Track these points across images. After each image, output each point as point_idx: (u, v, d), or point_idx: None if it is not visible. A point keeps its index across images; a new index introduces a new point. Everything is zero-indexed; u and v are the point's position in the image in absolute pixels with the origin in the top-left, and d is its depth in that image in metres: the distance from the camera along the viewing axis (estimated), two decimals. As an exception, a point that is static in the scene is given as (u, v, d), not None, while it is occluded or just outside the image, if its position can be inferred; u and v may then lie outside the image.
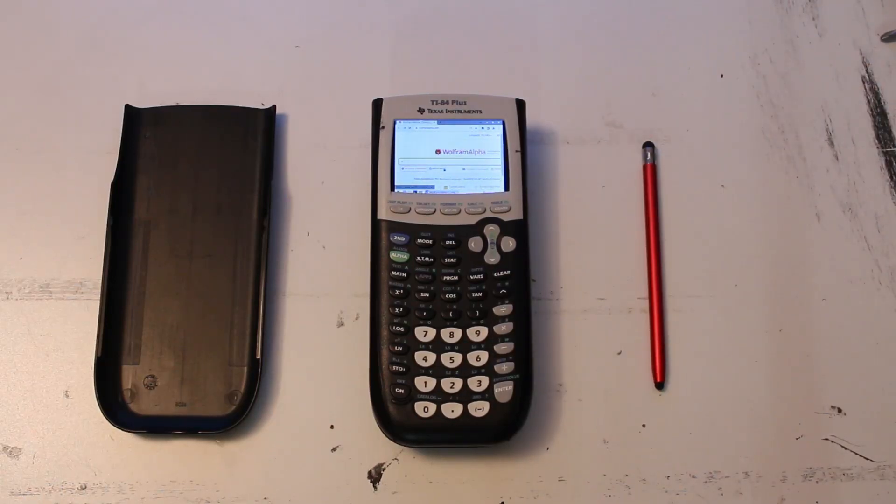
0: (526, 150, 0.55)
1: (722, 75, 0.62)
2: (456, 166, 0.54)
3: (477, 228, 0.53)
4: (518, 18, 0.64)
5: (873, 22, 0.64)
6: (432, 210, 0.53)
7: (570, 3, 0.65)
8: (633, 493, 0.52)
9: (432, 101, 0.55)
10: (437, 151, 0.55)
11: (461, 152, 0.55)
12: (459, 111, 0.55)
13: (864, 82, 0.62)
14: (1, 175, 0.59)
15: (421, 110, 0.55)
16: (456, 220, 0.53)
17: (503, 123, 0.55)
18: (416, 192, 0.53)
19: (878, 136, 0.61)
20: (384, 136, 0.54)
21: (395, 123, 0.54)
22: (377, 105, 0.55)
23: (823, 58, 0.63)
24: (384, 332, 0.51)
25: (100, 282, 0.54)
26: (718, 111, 0.61)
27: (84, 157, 0.59)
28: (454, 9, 0.64)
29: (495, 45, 0.63)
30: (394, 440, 0.50)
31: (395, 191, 0.53)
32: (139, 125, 0.58)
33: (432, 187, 0.54)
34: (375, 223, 0.53)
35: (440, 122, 0.55)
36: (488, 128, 0.55)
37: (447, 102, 0.55)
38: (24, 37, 0.63)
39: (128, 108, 0.58)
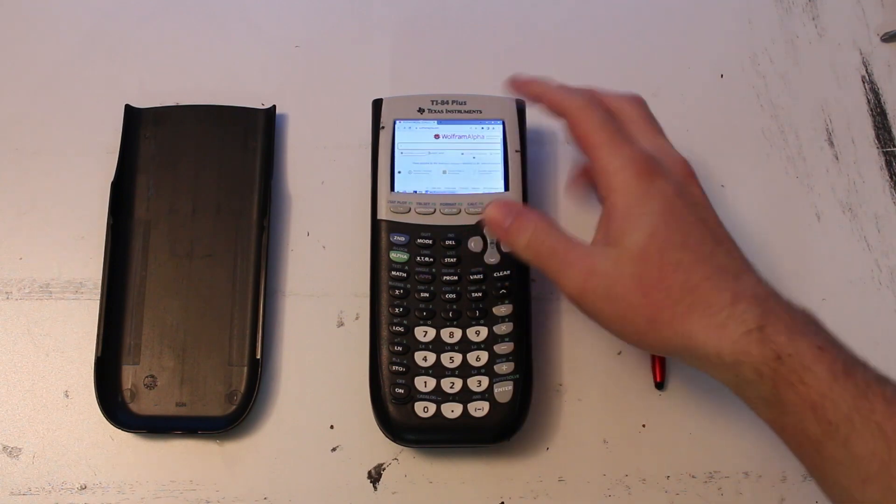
0: (526, 150, 0.55)
1: (722, 75, 0.62)
2: (456, 166, 0.54)
3: (477, 228, 0.52)
4: (518, 18, 0.64)
5: (873, 22, 0.64)
6: (432, 210, 0.53)
7: (570, 3, 0.65)
8: (633, 493, 0.52)
9: (432, 101, 0.55)
10: (437, 151, 0.55)
11: (461, 152, 0.55)
12: (459, 111, 0.55)
13: (864, 82, 0.62)
14: (1, 175, 0.59)
15: (421, 110, 0.55)
16: (456, 220, 0.52)
17: (503, 123, 0.55)
18: (415, 192, 0.53)
19: (878, 136, 0.61)
20: (384, 136, 0.54)
21: (394, 123, 0.54)
22: (377, 105, 0.55)
23: (823, 58, 0.63)
24: (384, 333, 0.51)
25: (100, 282, 0.54)
26: (718, 111, 0.61)
27: (84, 157, 0.59)
28: (454, 9, 0.64)
29: (495, 45, 0.63)
30: (394, 440, 0.50)
31: (395, 191, 0.53)
32: (139, 125, 0.58)
33: (432, 187, 0.54)
34: (375, 223, 0.53)
35: (440, 121, 0.55)
36: (488, 128, 0.55)
37: (447, 102, 0.55)
38: (24, 37, 0.63)
39: (128, 108, 0.58)
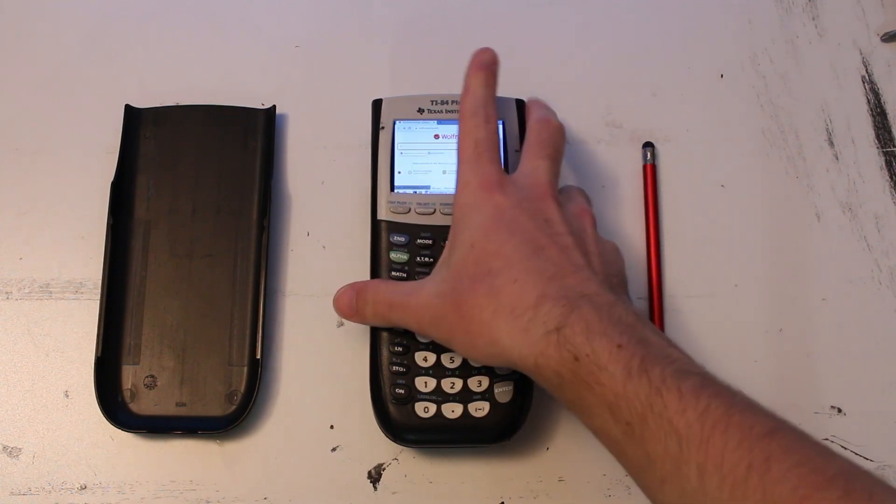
0: None
1: (722, 75, 0.62)
2: (456, 166, 0.54)
3: None
4: (518, 18, 0.64)
5: (873, 22, 0.64)
6: (432, 210, 0.53)
7: (569, 4, 0.65)
8: (634, 492, 0.52)
9: (432, 102, 0.55)
10: (437, 151, 0.55)
11: None
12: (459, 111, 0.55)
13: (864, 82, 0.62)
14: (1, 175, 0.59)
15: (421, 110, 0.55)
16: None
17: (502, 123, 0.55)
18: (415, 192, 0.53)
19: (878, 136, 0.61)
20: (384, 137, 0.54)
21: (394, 124, 0.54)
22: (377, 105, 0.55)
23: (823, 58, 0.63)
24: (384, 333, 0.51)
25: (100, 282, 0.54)
26: (718, 111, 0.61)
27: (84, 157, 0.59)
28: (454, 9, 0.64)
29: (495, 46, 0.63)
30: (394, 440, 0.50)
31: (395, 191, 0.53)
32: (139, 125, 0.58)
33: (432, 187, 0.54)
34: (375, 223, 0.53)
35: (440, 122, 0.55)
36: None
37: (447, 102, 0.55)
38: (24, 37, 0.63)
39: (128, 108, 0.58)
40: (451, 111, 0.55)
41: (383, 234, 0.52)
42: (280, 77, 0.62)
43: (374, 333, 0.51)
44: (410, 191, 0.53)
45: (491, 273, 0.44)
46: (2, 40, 0.63)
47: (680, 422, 0.37)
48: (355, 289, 0.50)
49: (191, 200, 0.56)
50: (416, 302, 0.47)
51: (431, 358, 0.50)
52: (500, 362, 0.44)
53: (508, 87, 0.59)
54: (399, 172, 0.54)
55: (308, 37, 0.63)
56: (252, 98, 0.60)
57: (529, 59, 0.63)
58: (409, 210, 0.52)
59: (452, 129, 0.55)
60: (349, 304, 0.50)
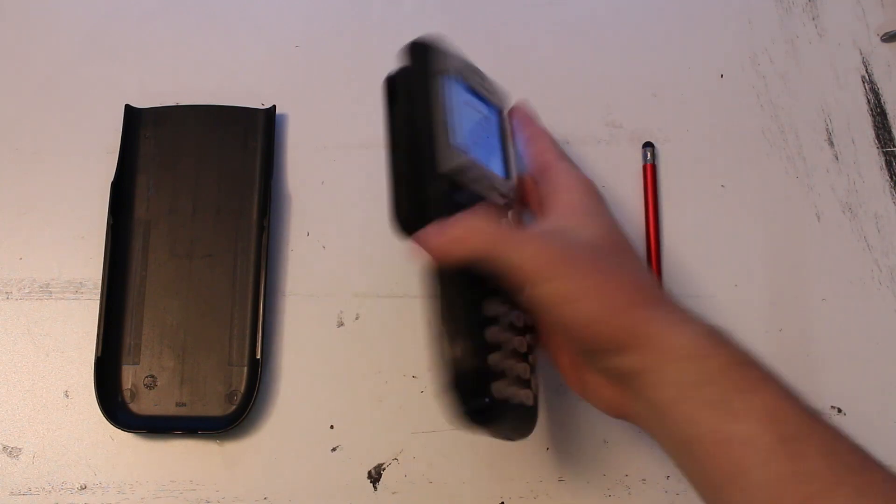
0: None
1: (722, 75, 0.62)
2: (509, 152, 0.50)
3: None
4: (518, 18, 0.64)
5: (873, 22, 0.64)
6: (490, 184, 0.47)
7: (569, 3, 0.65)
8: (633, 493, 0.52)
9: (465, 66, 0.48)
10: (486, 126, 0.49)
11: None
12: (482, 86, 0.49)
13: (864, 82, 0.62)
14: (1, 175, 0.59)
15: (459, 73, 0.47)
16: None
17: (498, 112, 0.51)
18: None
19: (878, 136, 0.61)
20: (436, 85, 0.46)
21: (444, 78, 0.46)
22: (419, 48, 0.47)
23: (823, 58, 0.63)
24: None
25: (100, 282, 0.54)
26: (718, 111, 0.61)
27: (84, 157, 0.59)
28: (454, 9, 0.64)
29: (495, 45, 0.63)
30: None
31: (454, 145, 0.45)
32: (139, 125, 0.58)
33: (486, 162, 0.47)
34: (436, 178, 0.44)
35: (467, 89, 0.48)
36: (492, 111, 0.50)
37: (476, 72, 0.49)
38: (24, 37, 0.63)
39: (128, 108, 0.58)
40: (475, 83, 0.49)
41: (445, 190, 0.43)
42: (280, 77, 0.62)
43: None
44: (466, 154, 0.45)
45: (634, 267, 0.45)
46: (2, 40, 0.63)
47: (839, 447, 0.39)
48: (448, 223, 0.43)
49: (191, 200, 0.56)
50: (539, 242, 0.42)
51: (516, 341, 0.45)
52: (628, 344, 0.41)
53: (509, 88, 0.59)
54: (454, 129, 0.44)
55: (308, 37, 0.63)
56: (252, 98, 0.60)
57: (529, 59, 0.63)
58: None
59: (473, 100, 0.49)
60: (435, 242, 0.43)
